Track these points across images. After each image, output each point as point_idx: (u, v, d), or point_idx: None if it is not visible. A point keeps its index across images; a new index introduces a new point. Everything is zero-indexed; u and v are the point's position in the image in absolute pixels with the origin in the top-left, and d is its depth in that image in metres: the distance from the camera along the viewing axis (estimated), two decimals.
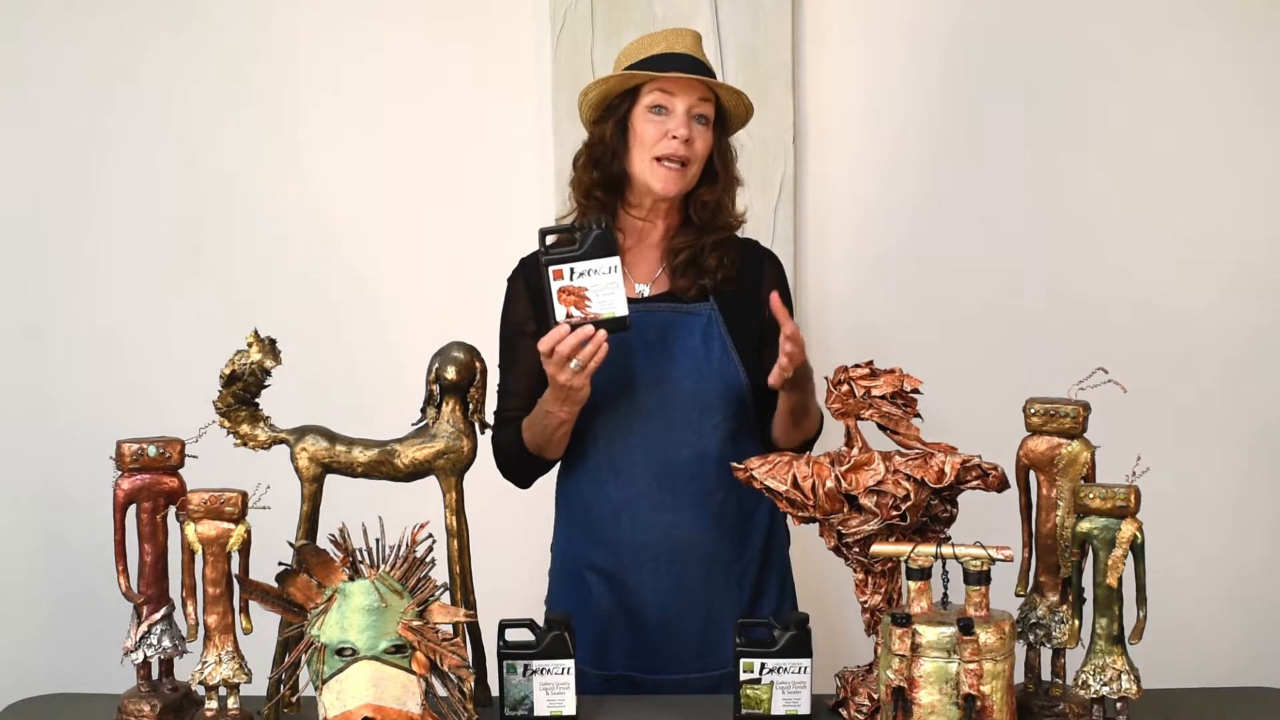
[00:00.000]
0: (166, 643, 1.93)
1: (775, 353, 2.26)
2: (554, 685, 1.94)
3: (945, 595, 1.80)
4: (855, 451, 1.91)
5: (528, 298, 2.26)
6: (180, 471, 1.94)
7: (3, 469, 3.08)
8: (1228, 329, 3.07)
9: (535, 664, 1.94)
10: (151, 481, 1.92)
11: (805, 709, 1.94)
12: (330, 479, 1.99)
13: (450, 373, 1.96)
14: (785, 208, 3.03)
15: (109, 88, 3.05)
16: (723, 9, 3.00)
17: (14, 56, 3.05)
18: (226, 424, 1.97)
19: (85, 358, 3.07)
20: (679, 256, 2.25)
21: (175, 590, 1.94)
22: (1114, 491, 1.79)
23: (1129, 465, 1.83)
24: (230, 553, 1.87)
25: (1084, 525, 1.81)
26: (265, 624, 1.84)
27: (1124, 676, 1.80)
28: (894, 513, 1.86)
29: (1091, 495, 1.79)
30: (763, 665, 1.93)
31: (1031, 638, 1.93)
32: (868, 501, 1.86)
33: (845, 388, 1.92)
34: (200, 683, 1.88)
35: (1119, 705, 1.81)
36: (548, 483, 2.35)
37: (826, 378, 1.97)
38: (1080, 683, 1.82)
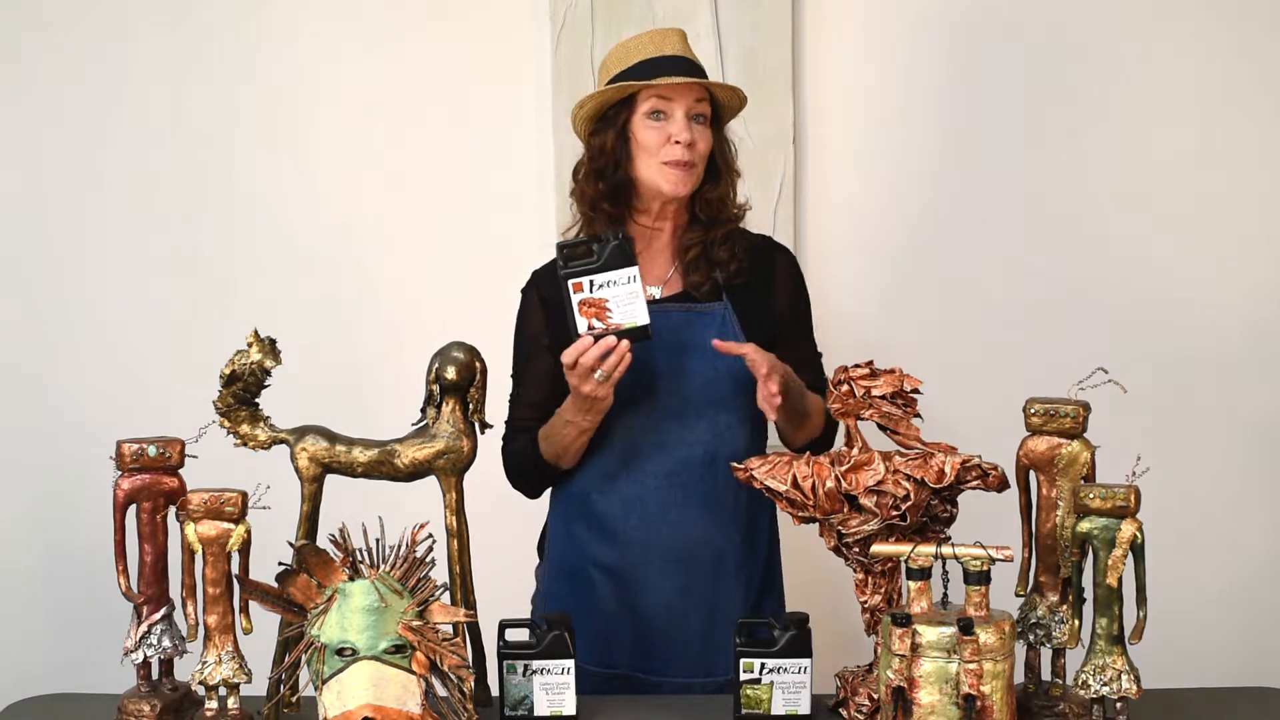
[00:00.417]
0: (166, 643, 1.93)
1: (792, 341, 2.25)
2: (554, 685, 1.94)
3: (945, 595, 1.80)
4: (855, 451, 1.91)
5: (542, 309, 2.26)
6: (180, 471, 1.94)
7: (3, 469, 3.08)
8: (1228, 328, 3.07)
9: (535, 664, 1.94)
10: (151, 481, 1.92)
11: (805, 709, 1.94)
12: (330, 479, 1.99)
13: (450, 373, 1.96)
14: (785, 208, 3.03)
15: (109, 88, 3.05)
16: (722, 9, 3.00)
17: (14, 56, 3.05)
18: (226, 424, 1.97)
19: (85, 358, 3.07)
20: (689, 253, 2.25)
21: (175, 590, 1.94)
22: (1114, 491, 1.79)
23: (1129, 465, 1.83)
24: (230, 553, 1.87)
25: (1084, 525, 1.81)
26: (265, 624, 1.84)
27: (1124, 676, 1.80)
28: (894, 513, 1.86)
29: (1091, 495, 1.79)
30: (763, 665, 1.93)
31: (1031, 638, 1.93)
32: (868, 501, 1.86)
33: (845, 388, 1.92)
34: (200, 683, 1.88)
35: (1119, 705, 1.81)
36: None
37: (826, 378, 1.97)
38: (1080, 683, 1.82)
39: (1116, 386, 1.93)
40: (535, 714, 1.95)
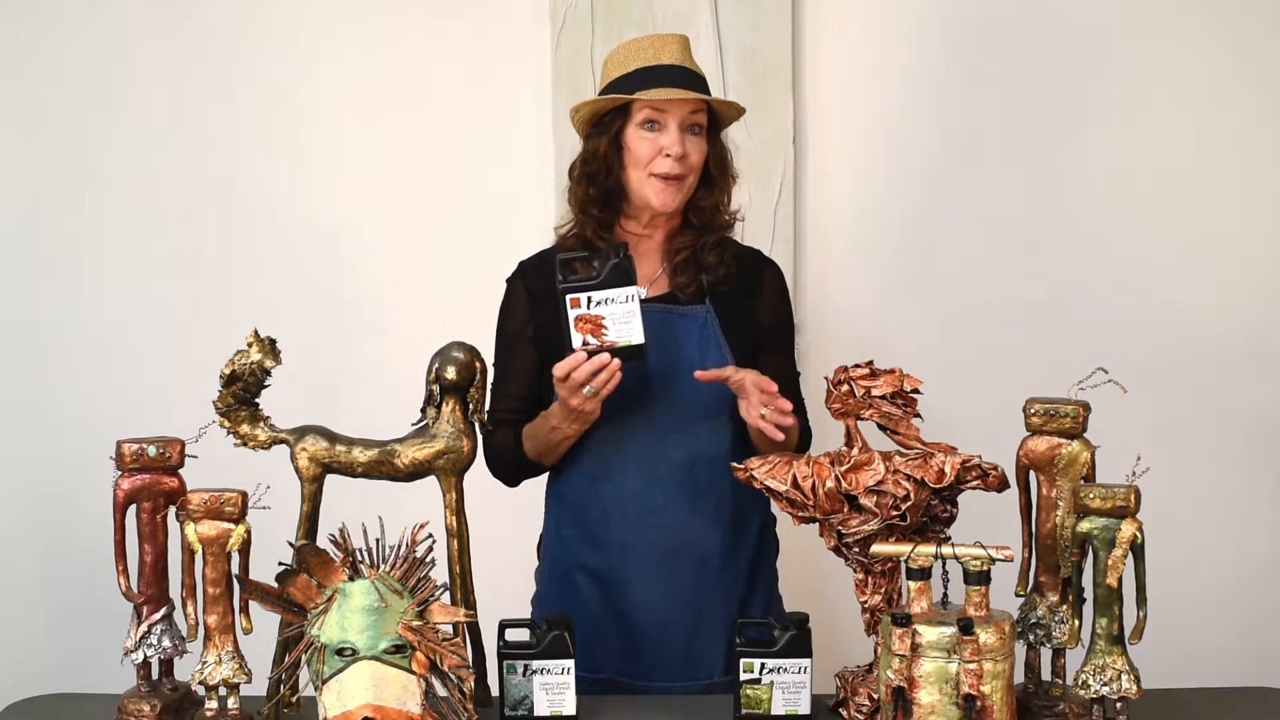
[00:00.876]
0: (166, 643, 1.93)
1: (770, 357, 2.25)
2: (554, 685, 1.94)
3: (945, 595, 1.80)
4: (855, 451, 1.91)
5: (526, 301, 2.26)
6: (180, 471, 1.94)
7: (3, 469, 3.08)
8: (1228, 329, 3.07)
9: (535, 664, 1.94)
10: (151, 481, 1.92)
11: (805, 709, 1.94)
12: (330, 479, 1.99)
13: (450, 373, 1.96)
14: (785, 208, 3.03)
15: (108, 88, 3.05)
16: (722, 9, 3.00)
17: (14, 56, 3.05)
18: (226, 424, 1.97)
19: (85, 358, 3.07)
20: (679, 256, 2.25)
21: (175, 590, 1.94)
22: (1114, 491, 1.79)
23: (1129, 465, 1.83)
24: (230, 553, 1.87)
25: (1084, 525, 1.81)
26: (265, 624, 1.84)
27: (1124, 676, 1.80)
28: (894, 513, 1.86)
29: (1091, 495, 1.79)
30: (763, 665, 1.93)
31: (1031, 638, 1.93)
32: (868, 501, 1.86)
33: (845, 388, 1.92)
34: (200, 683, 1.88)
35: (1119, 705, 1.81)
36: (543, 481, 2.35)
37: (826, 378, 1.97)
38: (1080, 683, 1.82)
39: (1116, 386, 1.93)
40: (535, 714, 1.95)
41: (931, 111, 3.06)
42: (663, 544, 2.20)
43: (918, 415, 1.93)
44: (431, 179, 3.07)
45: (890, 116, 3.06)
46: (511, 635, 1.97)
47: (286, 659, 1.83)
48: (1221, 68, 3.04)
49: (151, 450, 1.91)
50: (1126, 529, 1.78)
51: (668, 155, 2.15)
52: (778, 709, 1.94)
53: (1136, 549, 1.79)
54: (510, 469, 2.29)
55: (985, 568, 1.75)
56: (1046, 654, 1.95)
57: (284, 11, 3.05)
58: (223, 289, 3.05)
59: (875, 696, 1.91)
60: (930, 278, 3.07)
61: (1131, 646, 1.82)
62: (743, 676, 1.93)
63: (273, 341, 1.96)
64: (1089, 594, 1.84)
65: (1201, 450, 3.06)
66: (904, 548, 1.80)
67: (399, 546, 1.74)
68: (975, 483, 1.89)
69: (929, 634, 1.71)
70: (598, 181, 2.21)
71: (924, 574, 1.77)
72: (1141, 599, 1.80)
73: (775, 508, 2.06)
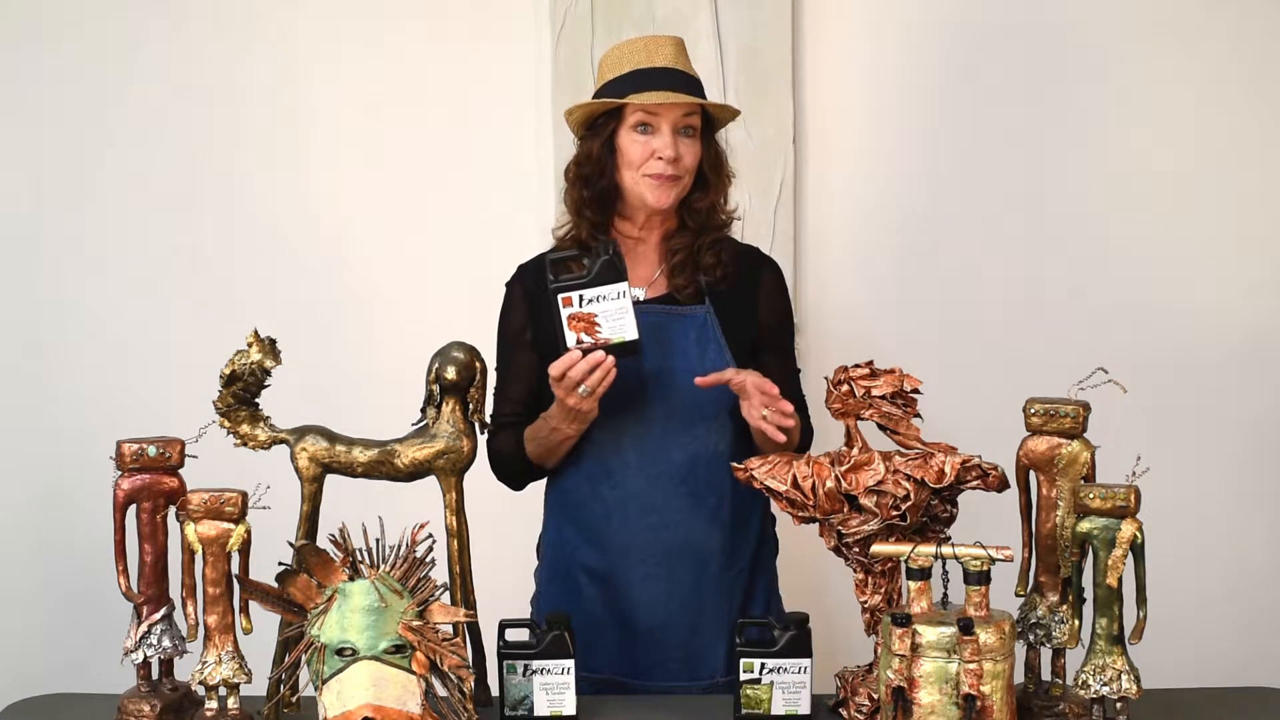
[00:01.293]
0: (166, 643, 1.93)
1: (771, 355, 2.26)
2: (554, 685, 1.95)
3: (945, 595, 1.80)
4: (855, 451, 1.91)
5: (525, 304, 2.26)
6: (180, 471, 1.94)
7: (3, 469, 3.08)
8: (1228, 329, 3.07)
9: (535, 664, 1.94)
10: (151, 481, 1.92)
11: (805, 709, 1.94)
12: (330, 479, 1.99)
13: (450, 373, 1.96)
14: (785, 208, 3.03)
15: (109, 88, 3.05)
16: (722, 9, 3.00)
17: (14, 56, 3.05)
18: (226, 424, 1.97)
19: (85, 358, 3.07)
20: (676, 257, 2.25)
21: (175, 590, 1.94)
22: (1114, 491, 1.79)
23: (1129, 465, 1.83)
24: (230, 553, 1.87)
25: (1084, 525, 1.81)
26: (265, 624, 1.84)
27: (1124, 676, 1.80)
28: (894, 513, 1.86)
29: (1091, 495, 1.79)
30: (763, 665, 1.93)
31: (1031, 638, 1.93)
32: (868, 501, 1.86)
33: (845, 388, 1.92)
34: (200, 683, 1.88)
35: (1119, 705, 1.81)
36: (543, 481, 2.35)
37: (826, 378, 1.97)
38: (1080, 683, 1.82)
39: (1116, 386, 1.93)
40: (535, 714, 1.95)
41: (931, 111, 3.06)
42: (663, 544, 2.20)
43: (918, 415, 1.93)
44: (431, 179, 3.07)
45: (890, 116, 3.06)
46: (511, 635, 1.97)
47: (286, 659, 1.83)
48: (1222, 67, 3.04)
49: (151, 450, 1.91)
50: (1126, 529, 1.78)
51: (660, 158, 2.16)
52: (778, 709, 1.94)
53: (1136, 549, 1.79)
54: (513, 472, 2.30)
55: (985, 568, 1.75)
56: (1046, 654, 1.95)
57: (284, 11, 3.05)
58: (223, 289, 3.05)
59: (875, 696, 1.91)
60: (930, 278, 3.07)
61: (1131, 646, 1.82)
62: (743, 676, 1.93)
63: (273, 341, 1.96)
64: (1089, 594, 1.84)
65: (1201, 450, 3.06)
66: (904, 548, 1.80)
67: (399, 546, 1.74)
68: (975, 483, 1.89)
69: (929, 634, 1.71)
70: (592, 183, 2.21)
71: (924, 574, 1.77)
72: (1141, 599, 1.80)
73: (775, 507, 2.06)
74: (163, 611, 1.94)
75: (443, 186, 3.07)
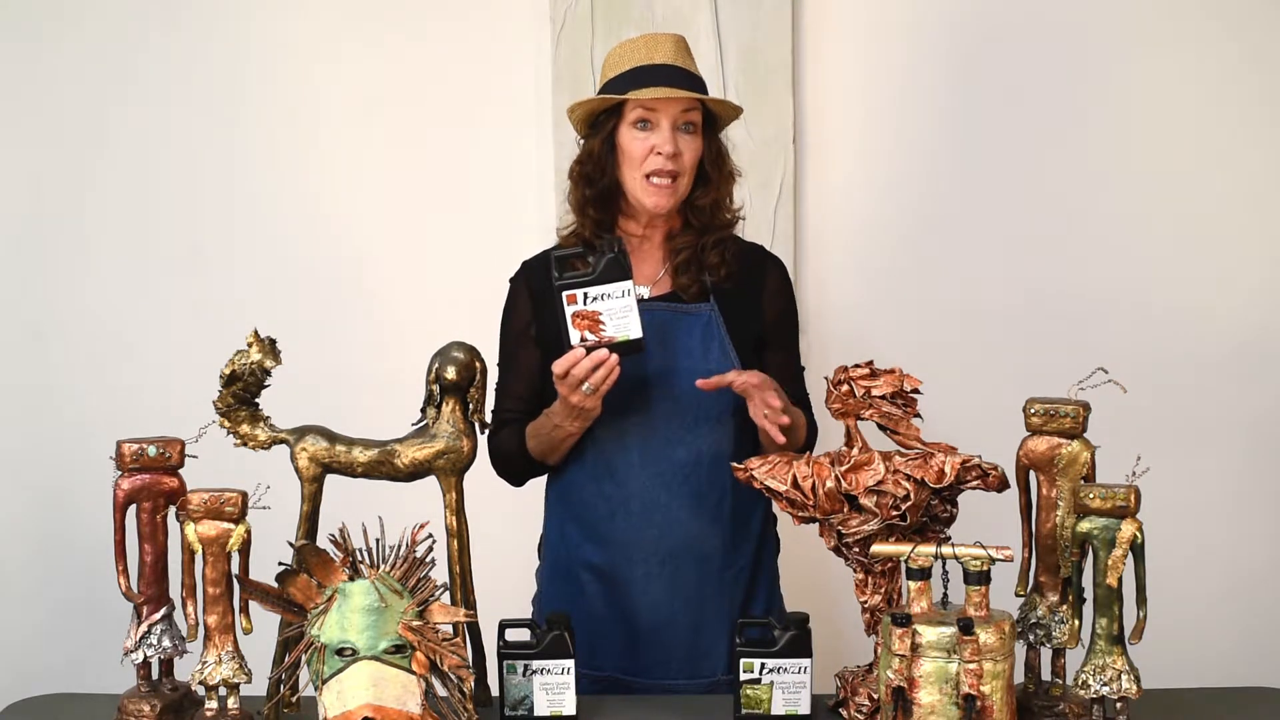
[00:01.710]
0: (166, 643, 1.93)
1: (775, 353, 2.26)
2: (554, 685, 1.95)
3: (945, 595, 1.80)
4: (855, 451, 1.91)
5: (529, 301, 2.26)
6: (180, 471, 1.94)
7: (3, 468, 3.08)
8: (1227, 329, 3.07)
9: (535, 664, 1.94)
10: (151, 481, 1.92)
11: (805, 709, 1.94)
12: (330, 479, 1.99)
13: (450, 373, 1.96)
14: (785, 208, 3.03)
15: (108, 88, 3.05)
16: (723, 8, 3.00)
17: (14, 56, 3.05)
18: (226, 424, 1.97)
19: (85, 358, 3.07)
20: (680, 255, 2.25)
21: (175, 590, 1.94)
22: (1114, 491, 1.79)
23: (1129, 465, 1.83)
24: (230, 553, 1.87)
25: (1084, 525, 1.81)
26: (265, 624, 1.84)
27: (1124, 676, 1.80)
28: (894, 513, 1.86)
29: (1091, 495, 1.79)
30: (763, 665, 1.93)
31: (1031, 638, 1.93)
32: (868, 501, 1.86)
33: (845, 388, 1.92)
34: (200, 683, 1.88)
35: (1119, 705, 1.81)
36: (543, 481, 2.35)
37: (826, 378, 1.97)
38: (1080, 683, 1.82)
39: (1116, 386, 1.93)
40: (535, 714, 1.95)
41: (932, 111, 3.06)
42: (666, 542, 2.20)
43: (918, 415, 1.93)
44: (431, 178, 3.07)
45: (890, 116, 3.06)
46: (511, 635, 1.97)
47: (286, 659, 1.83)
48: (1222, 67, 3.04)
49: (151, 450, 1.91)
50: (1126, 529, 1.78)
51: (659, 154, 2.16)
52: (778, 709, 1.94)
53: (1136, 549, 1.79)
54: (515, 469, 2.30)
55: (985, 568, 1.75)
56: (1046, 654, 1.95)
57: (284, 11, 3.05)
58: (223, 289, 3.05)
59: (875, 696, 1.91)
60: (930, 277, 3.06)
61: (1131, 646, 1.82)
62: (743, 676, 1.93)
63: (273, 341, 1.96)
64: (1089, 594, 1.84)
65: (1201, 450, 3.06)
66: (904, 548, 1.80)
67: (399, 546, 1.74)
68: (975, 483, 1.89)
69: (929, 634, 1.71)
70: (594, 182, 2.22)
71: (924, 574, 1.77)
72: (1141, 599, 1.80)
73: (775, 507, 2.06)
74: (163, 611, 1.94)
75: (443, 186, 3.07)
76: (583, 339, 2.05)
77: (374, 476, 1.99)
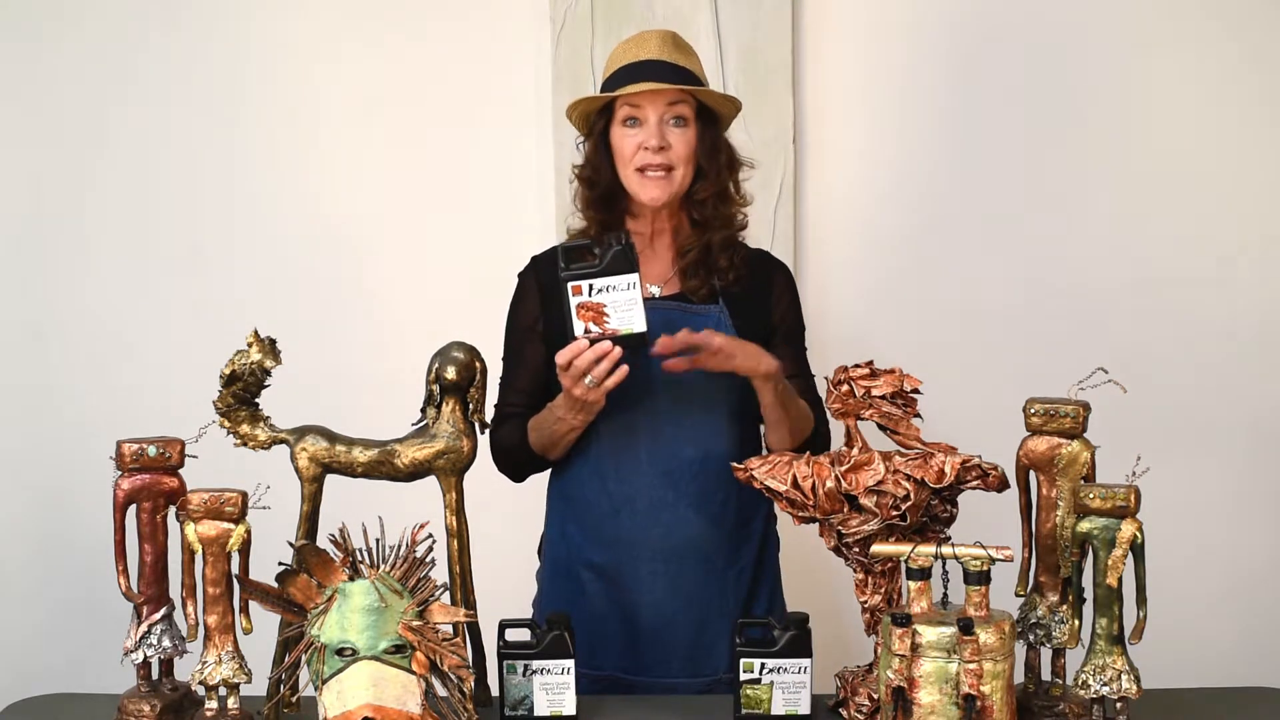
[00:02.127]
0: (166, 643, 1.93)
1: (783, 358, 2.26)
2: (554, 685, 1.95)
3: (945, 595, 1.80)
4: (855, 451, 1.91)
5: (538, 296, 2.27)
6: (180, 471, 1.94)
7: (3, 468, 3.08)
8: (1227, 329, 3.07)
9: (535, 664, 1.94)
10: (151, 481, 1.92)
11: (805, 709, 1.94)
12: (330, 479, 1.99)
13: (450, 373, 1.96)
14: (785, 208, 3.03)
15: (108, 88, 3.05)
16: (722, 8, 3.00)
17: (14, 56, 3.05)
18: (226, 424, 1.97)
19: (85, 358, 3.07)
20: (687, 256, 2.25)
21: (175, 590, 1.94)
22: (1114, 491, 1.79)
23: (1129, 465, 1.83)
24: (230, 553, 1.87)
25: (1084, 525, 1.81)
26: (265, 624, 1.84)
27: (1124, 676, 1.80)
28: (894, 513, 1.86)
29: (1091, 495, 1.79)
30: (763, 665, 1.93)
31: (1031, 638, 1.93)
32: (868, 501, 1.86)
33: (845, 388, 1.92)
34: (200, 683, 1.88)
35: (1119, 705, 1.81)
36: (543, 481, 2.35)
37: (826, 378, 1.97)
38: (1080, 683, 1.82)
39: (1116, 386, 1.93)
40: (535, 714, 1.95)
41: (932, 111, 3.06)
42: (669, 540, 2.20)
43: (918, 415, 1.93)
44: (431, 178, 3.07)
45: (890, 116, 3.06)
46: (511, 635, 1.97)
47: (286, 659, 1.83)
48: (1223, 67, 3.04)
49: (151, 450, 1.91)
50: (1126, 529, 1.78)
51: (646, 148, 2.16)
52: (778, 709, 1.94)
53: (1136, 549, 1.79)
54: (515, 463, 2.29)
55: (985, 568, 1.75)
56: (1046, 654, 1.95)
57: (284, 11, 3.05)
58: (223, 289, 3.05)
59: (875, 696, 1.91)
60: (930, 277, 3.07)
61: (1131, 646, 1.82)
62: (743, 676, 1.93)
63: (273, 341, 1.96)
64: (1089, 594, 1.84)
65: (1201, 450, 3.06)
66: (904, 548, 1.80)
67: (399, 546, 1.74)
68: (975, 483, 1.89)
69: (929, 634, 1.71)
70: (594, 184, 2.24)
71: (924, 574, 1.77)
72: (1141, 599, 1.80)
73: (775, 507, 2.06)
74: (163, 611, 1.94)
75: (443, 186, 3.07)
76: (587, 330, 2.04)
77: (374, 476, 1.99)
